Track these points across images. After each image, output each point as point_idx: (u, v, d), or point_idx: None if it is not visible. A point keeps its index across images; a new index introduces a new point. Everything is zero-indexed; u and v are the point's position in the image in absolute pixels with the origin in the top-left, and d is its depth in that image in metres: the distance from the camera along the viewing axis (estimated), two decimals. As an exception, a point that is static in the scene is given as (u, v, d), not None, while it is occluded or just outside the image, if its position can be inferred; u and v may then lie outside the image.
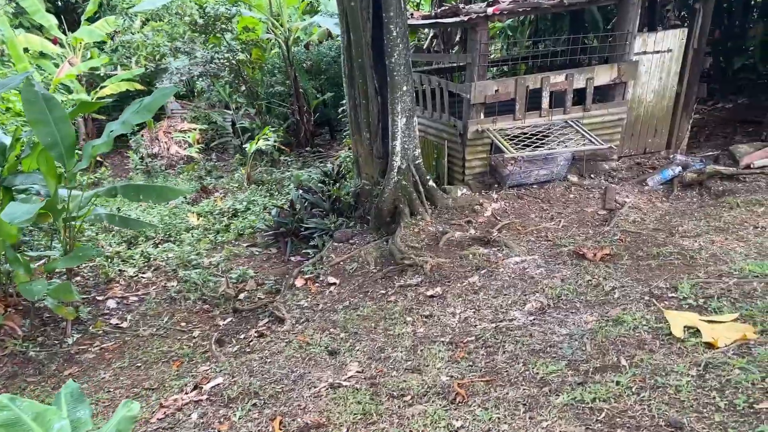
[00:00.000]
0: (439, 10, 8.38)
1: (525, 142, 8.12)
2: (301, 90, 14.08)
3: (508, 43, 14.96)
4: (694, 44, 8.85)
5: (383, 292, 6.09)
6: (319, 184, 9.19)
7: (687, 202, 7.68)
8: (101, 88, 15.88)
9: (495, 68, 12.15)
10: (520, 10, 7.80)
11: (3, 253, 5.66)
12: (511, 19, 14.18)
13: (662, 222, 6.96)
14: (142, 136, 17.17)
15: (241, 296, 7.35)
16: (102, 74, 17.03)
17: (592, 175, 8.96)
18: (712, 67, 12.30)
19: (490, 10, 7.80)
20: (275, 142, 12.75)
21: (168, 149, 16.94)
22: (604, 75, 8.52)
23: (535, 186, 8.48)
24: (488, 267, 5.97)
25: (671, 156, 9.48)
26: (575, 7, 8.20)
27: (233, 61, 13.98)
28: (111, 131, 5.63)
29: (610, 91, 8.82)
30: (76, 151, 6.07)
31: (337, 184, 8.67)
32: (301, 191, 8.91)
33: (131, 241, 9.72)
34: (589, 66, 8.55)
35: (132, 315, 6.93)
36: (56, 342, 6.18)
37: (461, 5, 8.37)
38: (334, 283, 6.65)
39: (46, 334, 6.28)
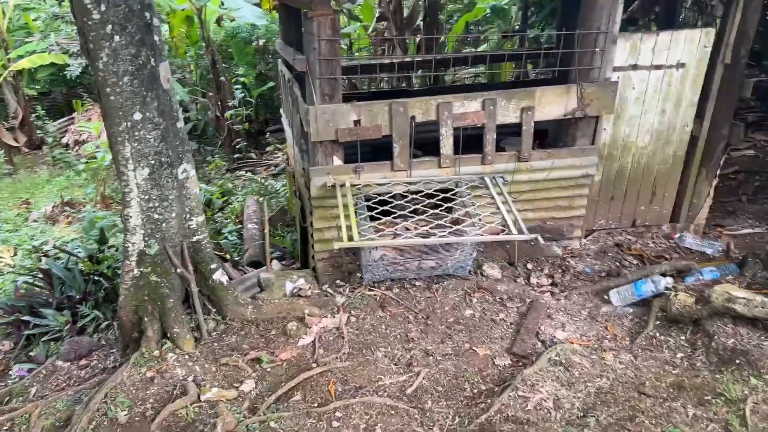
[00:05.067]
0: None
1: (400, 213, 4.71)
2: (223, 78, 10.87)
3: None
4: (726, 56, 5.09)
5: None
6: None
7: (662, 360, 4.08)
8: (8, 60, 13.20)
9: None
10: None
11: None
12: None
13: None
14: (71, 121, 14.54)
15: None
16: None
17: (528, 265, 5.44)
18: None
19: (341, -18, 4.36)
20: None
21: (100, 137, 14.17)
22: (553, 103, 4.93)
23: (418, 283, 5.05)
24: None
25: (678, 235, 5.81)
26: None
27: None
28: None
29: (569, 130, 5.22)
30: None
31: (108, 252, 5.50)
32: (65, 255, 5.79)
33: None
34: (526, 87, 4.97)
35: None
36: None
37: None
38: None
39: None
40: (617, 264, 5.47)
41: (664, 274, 4.91)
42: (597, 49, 4.77)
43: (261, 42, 11.70)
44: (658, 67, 5.11)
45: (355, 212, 4.77)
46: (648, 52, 5.04)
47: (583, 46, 4.79)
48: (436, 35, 9.71)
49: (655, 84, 5.18)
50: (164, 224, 4.29)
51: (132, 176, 4.08)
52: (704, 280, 4.77)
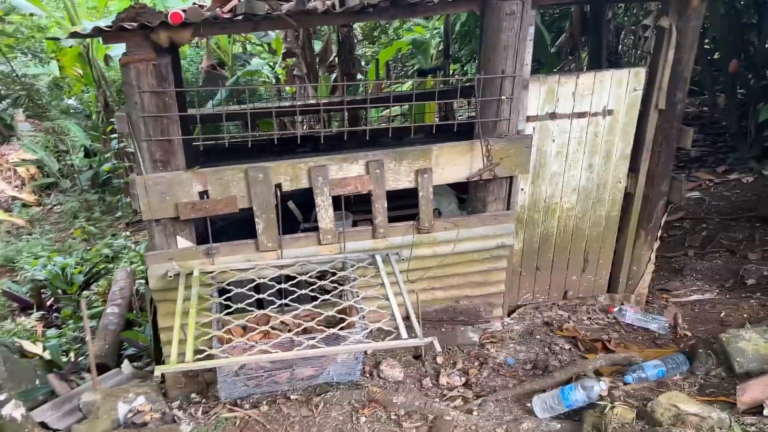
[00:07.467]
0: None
1: (260, 313, 3.62)
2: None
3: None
4: (660, 101, 4.23)
5: None
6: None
7: None
8: None
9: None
10: (230, 17, 3.28)
11: None
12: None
13: None
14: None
15: None
16: None
17: (438, 359, 4.40)
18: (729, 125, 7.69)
19: (169, 16, 3.31)
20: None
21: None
22: (453, 163, 3.96)
23: (294, 396, 3.95)
24: None
25: (617, 308, 4.89)
26: (356, 19, 3.64)
27: (20, 78, 9.65)
28: None
29: (477, 193, 4.25)
30: None
31: None
32: None
33: None
34: (424, 144, 3.99)
35: None
36: None
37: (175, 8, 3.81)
38: None
39: None
40: (546, 350, 4.50)
41: (598, 372, 3.95)
42: (503, 97, 3.84)
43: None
44: (581, 115, 4.22)
45: (204, 311, 3.68)
46: (568, 98, 4.14)
47: (486, 94, 3.85)
48: (349, 79, 8.74)
49: (579, 135, 4.29)
50: None
51: None
52: (648, 379, 3.82)
